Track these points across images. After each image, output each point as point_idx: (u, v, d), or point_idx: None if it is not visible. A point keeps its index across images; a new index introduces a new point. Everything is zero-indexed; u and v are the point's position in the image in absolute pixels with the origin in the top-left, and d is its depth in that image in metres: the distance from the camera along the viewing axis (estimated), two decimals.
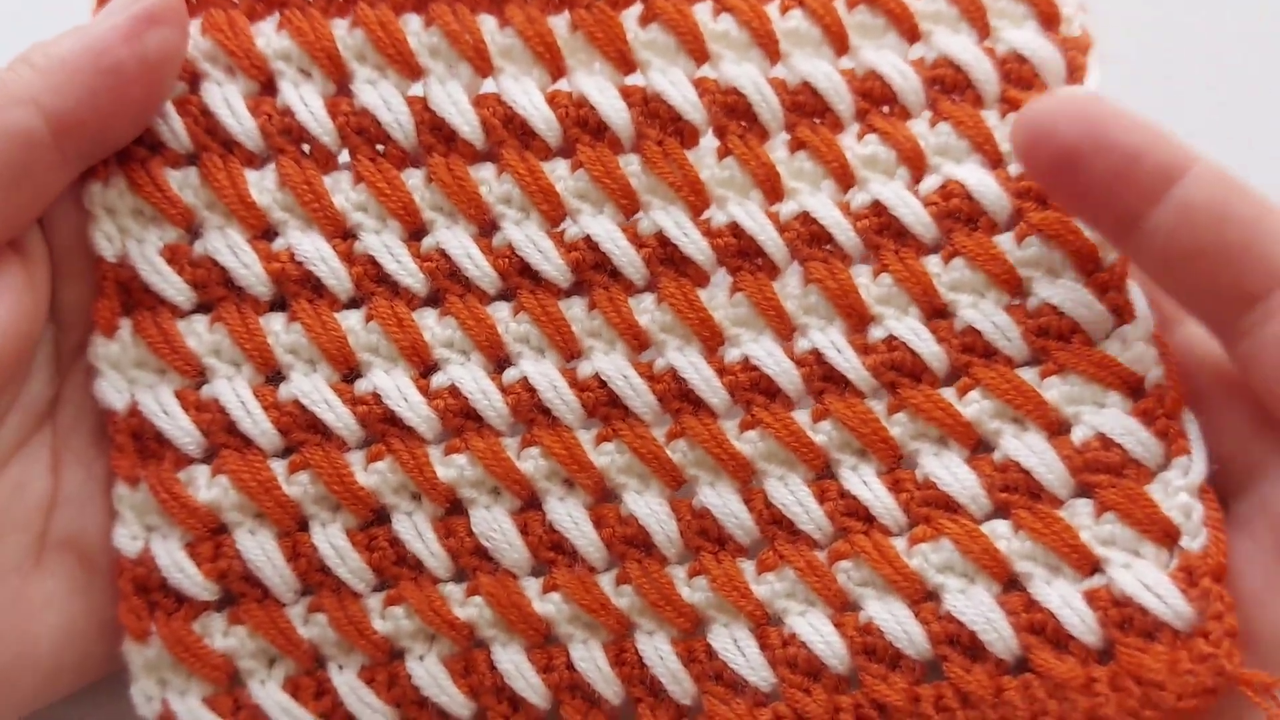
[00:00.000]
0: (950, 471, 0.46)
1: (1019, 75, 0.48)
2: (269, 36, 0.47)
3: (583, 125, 0.47)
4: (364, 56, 0.47)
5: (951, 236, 0.47)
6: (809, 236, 0.47)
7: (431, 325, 0.47)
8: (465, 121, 0.47)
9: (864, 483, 0.47)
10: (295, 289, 0.47)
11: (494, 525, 0.46)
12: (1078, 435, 0.46)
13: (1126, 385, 0.46)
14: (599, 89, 0.47)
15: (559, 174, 0.47)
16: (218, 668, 0.45)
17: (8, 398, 0.45)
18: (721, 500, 0.47)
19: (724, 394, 0.47)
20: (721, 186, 0.48)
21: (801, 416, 0.47)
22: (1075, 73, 0.48)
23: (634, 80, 0.48)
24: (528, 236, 0.47)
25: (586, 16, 0.47)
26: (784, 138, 0.48)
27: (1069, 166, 0.43)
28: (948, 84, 0.48)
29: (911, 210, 0.47)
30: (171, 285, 0.46)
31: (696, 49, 0.47)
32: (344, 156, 0.48)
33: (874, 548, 0.46)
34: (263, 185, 0.47)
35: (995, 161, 0.47)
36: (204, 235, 0.46)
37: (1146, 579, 0.44)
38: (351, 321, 0.47)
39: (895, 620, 0.45)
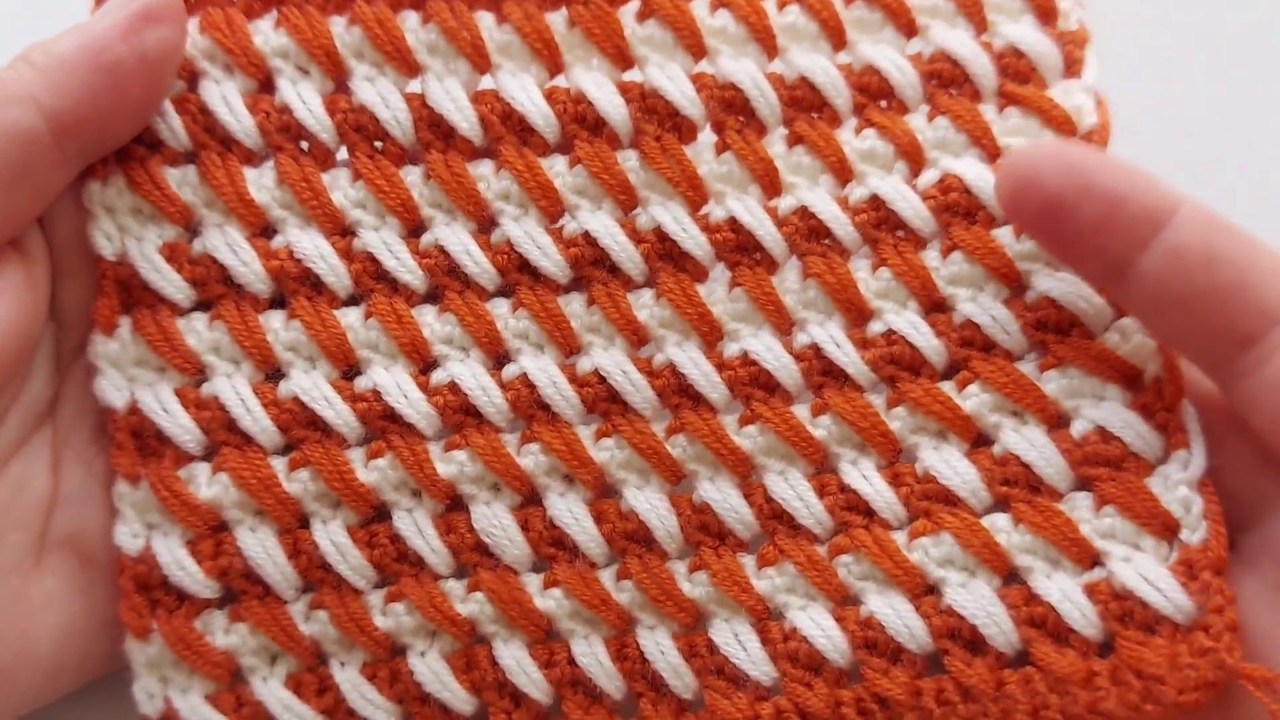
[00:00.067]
0: (950, 465, 0.46)
1: (1016, 70, 0.48)
2: (267, 34, 0.47)
3: (581, 121, 0.47)
4: (362, 54, 0.47)
5: (950, 230, 0.47)
6: (807, 231, 0.47)
7: (431, 322, 0.47)
8: (463, 118, 0.47)
9: (864, 477, 0.47)
10: (294, 286, 0.47)
11: (494, 521, 0.46)
12: (1077, 429, 0.46)
13: (1126, 378, 0.46)
14: (597, 85, 0.47)
15: (557, 170, 0.47)
16: (219, 665, 0.45)
17: (8, 396, 0.45)
18: (721, 495, 0.47)
19: (723, 389, 0.47)
20: (720, 182, 0.48)
21: (801, 411, 0.47)
22: (1072, 67, 0.48)
23: (632, 76, 0.48)
24: (526, 233, 0.47)
25: (584, 12, 0.47)
26: (782, 132, 0.48)
27: (1055, 215, 0.42)
28: (945, 78, 0.48)
29: (910, 204, 0.47)
30: (171, 283, 0.46)
31: (694, 44, 0.47)
32: (342, 153, 0.48)
33: (874, 542, 0.46)
34: (261, 183, 0.47)
35: (993, 155, 0.47)
36: (203, 233, 0.46)
37: (1146, 572, 0.44)
38: (351, 318, 0.47)
39: (896, 614, 0.45)
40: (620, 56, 0.48)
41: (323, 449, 0.46)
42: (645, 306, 0.47)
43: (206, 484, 0.45)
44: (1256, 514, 0.44)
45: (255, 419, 0.46)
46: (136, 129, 0.46)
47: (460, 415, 0.46)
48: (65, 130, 0.43)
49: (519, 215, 0.47)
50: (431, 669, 0.45)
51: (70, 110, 0.43)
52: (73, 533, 0.46)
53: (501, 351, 0.47)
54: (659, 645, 0.46)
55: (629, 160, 0.47)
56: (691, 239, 0.47)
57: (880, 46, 0.48)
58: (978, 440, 0.47)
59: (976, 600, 0.45)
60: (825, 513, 0.47)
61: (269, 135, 0.47)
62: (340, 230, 0.47)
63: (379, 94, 0.47)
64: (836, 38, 0.48)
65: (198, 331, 0.46)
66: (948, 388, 0.47)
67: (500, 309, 0.47)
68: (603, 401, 0.47)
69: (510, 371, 0.47)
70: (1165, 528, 0.44)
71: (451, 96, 0.47)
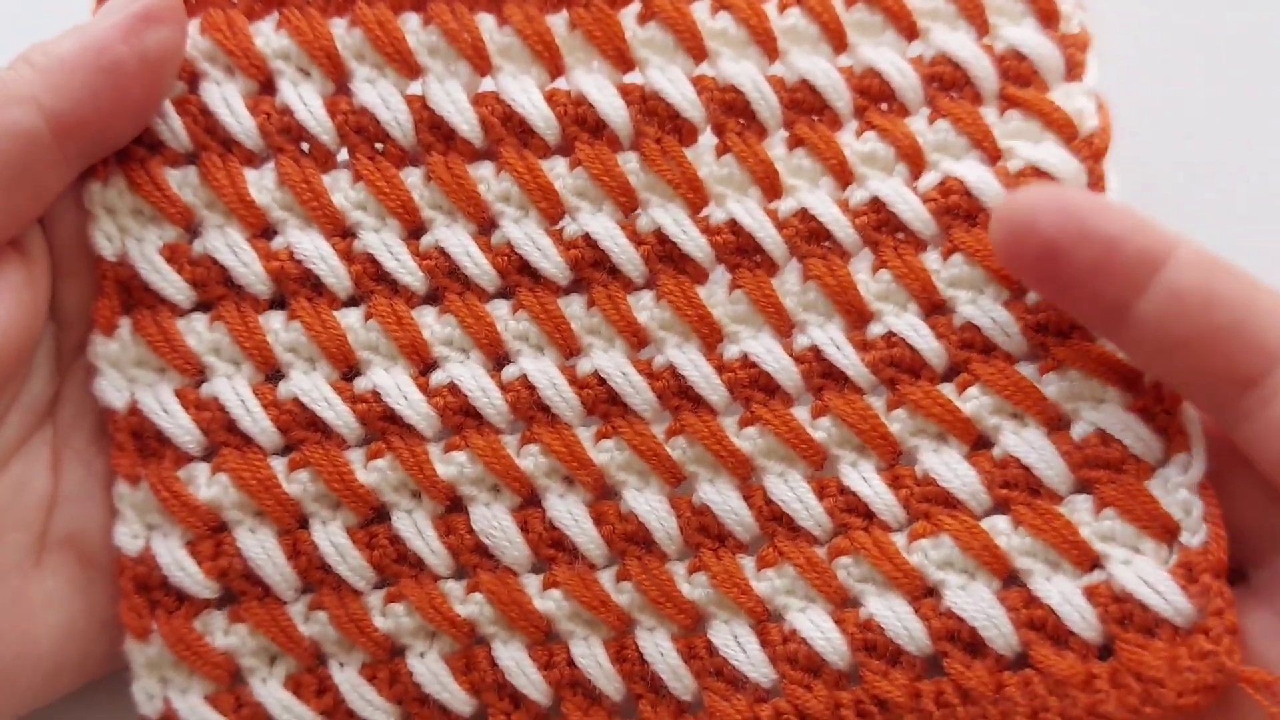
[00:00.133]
0: (950, 468, 0.46)
1: (1017, 72, 0.48)
2: (268, 36, 0.47)
3: (581, 123, 0.47)
4: (363, 55, 0.47)
5: (950, 233, 0.47)
6: (808, 233, 0.47)
7: (431, 323, 0.47)
8: (464, 120, 0.47)
9: (863, 479, 0.47)
10: (295, 287, 0.47)
11: (494, 523, 0.46)
12: (1077, 431, 0.46)
13: (1126, 381, 0.46)
14: (597, 87, 0.47)
15: (558, 172, 0.47)
16: (219, 666, 0.45)
17: (8, 396, 0.45)
18: (721, 497, 0.47)
19: (723, 391, 0.47)
20: (720, 184, 0.48)
21: (801, 413, 0.47)
22: (1074, 70, 0.48)
23: (632, 78, 0.48)
24: (527, 234, 0.47)
25: (585, 15, 0.47)
26: (782, 135, 0.48)
27: (1051, 260, 0.42)
28: (946, 81, 0.48)
29: (910, 207, 0.47)
30: (171, 284, 0.46)
31: (695, 47, 0.47)
32: (343, 155, 0.48)
33: (874, 544, 0.46)
34: (262, 184, 0.47)
35: (994, 158, 0.47)
36: (203, 234, 0.46)
37: (1146, 575, 0.44)
38: (351, 320, 0.47)
39: (895, 616, 0.45)
40: (621, 59, 0.48)
41: (322, 450, 0.46)
42: (645, 308, 0.47)
43: (206, 485, 0.46)
44: (1268, 548, 0.44)
45: (255, 420, 0.46)
46: (137, 130, 0.46)
47: (460, 416, 0.46)
48: (66, 131, 0.43)
49: (519, 217, 0.47)
50: (431, 670, 0.45)
51: (71, 111, 0.43)
52: (73, 532, 0.46)
53: (501, 353, 0.47)
54: (658, 647, 0.46)
55: (629, 162, 0.47)
56: (692, 241, 0.47)
57: (881, 49, 0.48)
58: (978, 443, 0.47)
59: (976, 602, 0.45)
60: (825, 515, 0.47)
61: (270, 137, 0.47)
62: (341, 232, 0.47)
63: (380, 96, 0.47)
64: (837, 40, 0.48)
65: (198, 332, 0.46)
66: (948, 390, 0.47)
67: (500, 310, 0.47)
68: (603, 403, 0.47)
69: (510, 373, 0.47)
70: (1165, 530, 0.44)
71: (452, 98, 0.47)
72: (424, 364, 0.47)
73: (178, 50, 0.45)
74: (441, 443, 0.47)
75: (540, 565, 0.47)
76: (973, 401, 0.46)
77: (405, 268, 0.47)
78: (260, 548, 0.45)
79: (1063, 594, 0.44)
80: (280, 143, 0.47)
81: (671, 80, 0.47)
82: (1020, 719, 0.44)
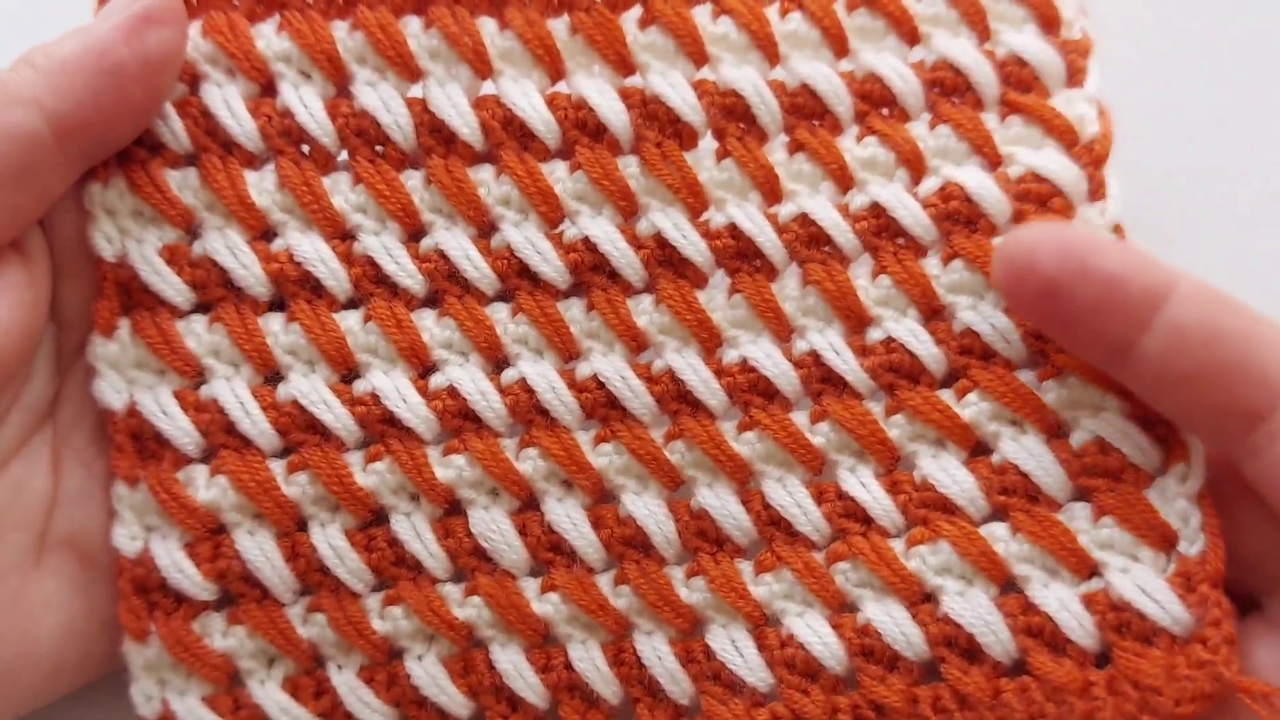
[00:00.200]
0: (948, 473, 0.46)
1: (1019, 78, 0.48)
2: (269, 38, 0.47)
3: (582, 127, 0.47)
4: (364, 58, 0.47)
5: (950, 238, 0.47)
6: (808, 238, 0.47)
7: (430, 326, 0.47)
8: (465, 123, 0.47)
9: (862, 484, 0.47)
10: (294, 290, 0.47)
11: (492, 526, 0.46)
12: (1076, 439, 0.46)
13: (1125, 390, 0.45)
14: (598, 91, 0.47)
15: (558, 176, 0.47)
16: (217, 667, 0.45)
17: (9, 397, 0.45)
18: (719, 501, 0.47)
19: (722, 395, 0.47)
20: (720, 188, 0.48)
21: (799, 418, 0.47)
22: (1075, 76, 0.48)
23: (633, 82, 0.48)
24: (526, 238, 0.47)
25: (586, 19, 0.47)
26: (783, 140, 0.48)
27: (1053, 299, 0.42)
28: (947, 87, 0.48)
29: (910, 212, 0.47)
30: (171, 286, 0.46)
31: (696, 51, 0.47)
32: (343, 157, 0.48)
33: (872, 549, 0.46)
34: (262, 186, 0.47)
35: (995, 164, 0.47)
36: (203, 236, 0.46)
37: (1144, 583, 0.44)
38: (350, 322, 0.47)
39: (893, 622, 0.45)
40: (622, 63, 0.47)
41: (321, 452, 0.46)
42: (645, 312, 0.47)
43: (205, 486, 0.46)
44: None
45: (254, 422, 0.46)
46: (138, 131, 0.46)
47: (459, 420, 0.46)
48: (67, 132, 0.43)
49: (519, 220, 0.47)
50: (429, 673, 0.46)
51: (72, 112, 0.43)
52: (73, 533, 0.46)
53: (501, 356, 0.47)
54: (656, 651, 0.46)
55: (629, 166, 0.47)
56: (691, 245, 0.47)
57: (883, 54, 0.48)
58: (976, 449, 0.47)
59: (974, 609, 0.45)
60: (823, 520, 0.47)
61: (270, 139, 0.47)
62: (340, 234, 0.47)
63: (381, 99, 0.47)
64: (838, 45, 0.48)
65: (197, 334, 0.46)
66: (947, 396, 0.47)
67: (500, 314, 0.47)
68: (601, 407, 0.47)
69: (509, 376, 0.47)
70: (1163, 539, 0.44)
71: (453, 102, 0.47)
72: (423, 367, 0.47)
73: (178, 52, 0.45)
74: (440, 446, 0.47)
75: (538, 568, 0.47)
76: (972, 407, 0.46)
77: (405, 270, 0.47)
78: (259, 550, 0.45)
79: (1060, 601, 0.44)
80: (281, 145, 0.47)
81: (672, 84, 0.47)
82: None
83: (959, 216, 0.47)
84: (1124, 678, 0.43)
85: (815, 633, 0.45)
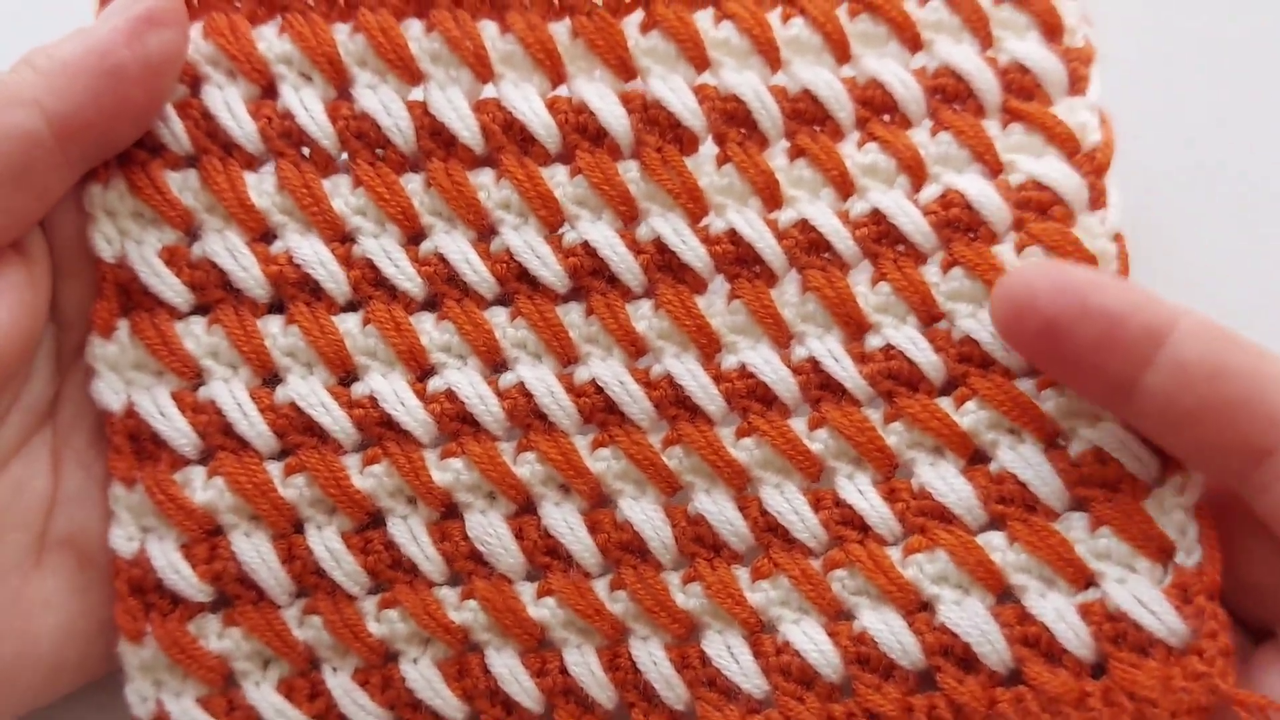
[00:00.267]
0: (946, 482, 0.46)
1: (1021, 86, 0.48)
2: (270, 40, 0.47)
3: (582, 131, 0.47)
4: (365, 61, 0.47)
5: (951, 246, 0.47)
6: (807, 244, 0.47)
7: (429, 329, 0.47)
8: (465, 127, 0.47)
9: (859, 492, 0.47)
10: (293, 292, 0.47)
11: (489, 530, 0.46)
12: (1074, 448, 0.45)
13: None
14: (599, 95, 0.47)
15: (558, 180, 0.47)
16: (212, 669, 0.45)
17: (9, 397, 0.45)
18: (717, 507, 0.47)
19: (721, 401, 0.47)
20: (720, 194, 0.48)
21: (798, 424, 0.47)
22: (1077, 84, 0.48)
23: (634, 87, 0.48)
24: (526, 242, 0.47)
25: (587, 23, 0.47)
26: (783, 145, 0.48)
27: (1053, 338, 0.42)
28: (949, 93, 0.48)
29: (911, 219, 0.47)
30: (170, 287, 0.46)
31: (697, 56, 0.47)
32: (344, 159, 0.48)
33: (869, 557, 0.46)
34: (262, 188, 0.47)
35: (996, 171, 0.47)
36: (203, 237, 0.46)
37: (1141, 594, 0.43)
38: (349, 325, 0.47)
39: (889, 630, 0.45)
40: (623, 67, 0.47)
41: (319, 455, 0.46)
42: (644, 317, 0.47)
43: (202, 488, 0.46)
44: None
45: (252, 424, 0.46)
46: (139, 132, 0.46)
47: (457, 423, 0.46)
48: (68, 134, 0.43)
49: (519, 224, 0.47)
50: (424, 676, 0.46)
51: (73, 114, 0.43)
52: (72, 533, 0.46)
53: (499, 360, 0.47)
54: (652, 656, 0.46)
55: (630, 171, 0.47)
56: (691, 251, 0.47)
57: (884, 60, 0.48)
58: (974, 457, 0.47)
59: (970, 618, 0.45)
60: (820, 527, 0.46)
61: (270, 141, 0.47)
62: (340, 236, 0.47)
63: (381, 102, 0.47)
64: (840, 51, 0.48)
65: (196, 335, 0.46)
66: (945, 404, 0.47)
67: (499, 318, 0.47)
68: (600, 412, 0.47)
69: (507, 380, 0.47)
70: (1160, 550, 0.44)
71: (453, 105, 0.47)
72: (422, 370, 0.47)
73: (179, 53, 0.45)
74: (438, 449, 0.47)
75: (535, 573, 0.47)
76: (970, 416, 0.46)
77: (404, 273, 0.47)
78: (255, 552, 0.45)
79: (1057, 611, 0.44)
80: (281, 147, 0.47)
81: (673, 89, 0.47)
82: None
83: (959, 224, 0.47)
84: (1120, 689, 0.43)
85: (811, 640, 0.45)
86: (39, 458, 0.46)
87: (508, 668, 0.46)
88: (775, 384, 0.47)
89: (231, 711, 0.45)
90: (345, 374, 0.47)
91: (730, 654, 0.46)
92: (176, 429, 0.46)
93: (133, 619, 0.45)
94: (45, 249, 0.46)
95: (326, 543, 0.46)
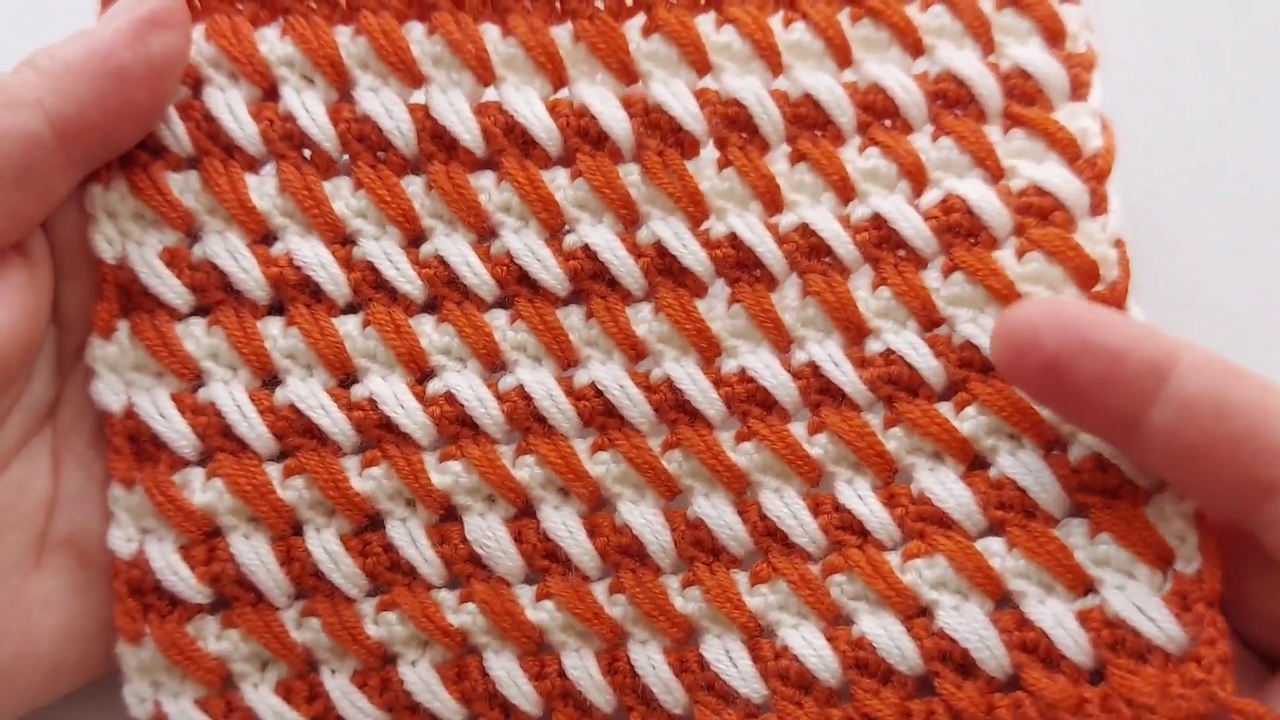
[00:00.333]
0: (945, 487, 0.46)
1: (1022, 91, 0.48)
2: (272, 43, 0.47)
3: (583, 135, 0.47)
4: (367, 64, 0.47)
5: (951, 251, 0.47)
6: (808, 249, 0.47)
7: (429, 332, 0.47)
8: (466, 130, 0.47)
9: (859, 497, 0.47)
10: (293, 294, 0.47)
11: (488, 533, 0.46)
12: (1074, 454, 0.45)
13: None
14: (600, 99, 0.47)
15: (559, 183, 0.47)
16: (211, 670, 0.45)
17: (9, 398, 0.45)
18: (716, 511, 0.46)
19: (720, 405, 0.47)
20: (721, 198, 0.48)
21: (797, 429, 0.47)
22: (1079, 89, 0.48)
23: (635, 90, 0.48)
24: (526, 245, 0.47)
25: (589, 27, 0.47)
26: (785, 150, 0.48)
27: (1055, 375, 0.41)
28: (950, 99, 0.48)
29: (911, 224, 0.47)
30: (170, 288, 0.46)
31: (698, 60, 0.47)
32: (345, 161, 0.48)
33: (868, 562, 0.46)
34: (263, 190, 0.47)
35: (997, 176, 0.47)
36: (204, 239, 0.47)
37: (1140, 601, 0.43)
38: (349, 327, 0.47)
39: (888, 635, 0.45)
40: (624, 71, 0.47)
41: (318, 457, 0.46)
42: (644, 321, 0.47)
43: (201, 489, 0.46)
44: None
45: (251, 425, 0.46)
46: (141, 134, 0.46)
47: (456, 426, 0.46)
48: (70, 135, 0.43)
49: (519, 227, 0.47)
50: (422, 678, 0.46)
51: (75, 115, 0.43)
52: (73, 533, 0.46)
53: (499, 363, 0.47)
54: (650, 660, 0.46)
55: (630, 174, 0.47)
56: (691, 254, 0.47)
57: (886, 65, 0.48)
58: (974, 462, 0.47)
59: (969, 623, 0.45)
60: (819, 531, 0.46)
61: (272, 143, 0.47)
62: (341, 239, 0.47)
63: (383, 104, 0.47)
64: (842, 56, 0.48)
65: (196, 337, 0.46)
66: (945, 409, 0.47)
67: (499, 320, 0.47)
68: (599, 415, 0.47)
69: (507, 383, 0.47)
70: (1160, 558, 0.44)
71: (455, 108, 0.47)
72: (421, 372, 0.47)
73: (182, 55, 0.45)
74: (437, 452, 0.47)
75: (534, 576, 0.47)
76: (970, 421, 0.46)
77: (404, 276, 0.47)
78: (254, 553, 0.45)
79: (1056, 617, 0.44)
80: (282, 149, 0.47)
81: (674, 93, 0.47)
82: None
83: (960, 229, 0.47)
84: (1118, 695, 0.43)
85: (810, 645, 0.45)
86: (39, 458, 0.46)
87: (506, 671, 0.46)
88: (775, 388, 0.47)
89: (230, 713, 0.45)
90: (345, 376, 0.47)
91: (729, 658, 0.46)
92: (176, 430, 0.46)
93: (131, 620, 0.45)
94: (47, 250, 0.46)
95: (325, 545, 0.46)
